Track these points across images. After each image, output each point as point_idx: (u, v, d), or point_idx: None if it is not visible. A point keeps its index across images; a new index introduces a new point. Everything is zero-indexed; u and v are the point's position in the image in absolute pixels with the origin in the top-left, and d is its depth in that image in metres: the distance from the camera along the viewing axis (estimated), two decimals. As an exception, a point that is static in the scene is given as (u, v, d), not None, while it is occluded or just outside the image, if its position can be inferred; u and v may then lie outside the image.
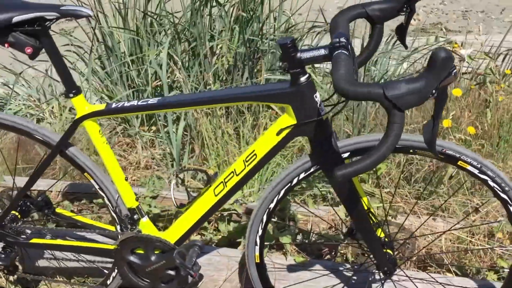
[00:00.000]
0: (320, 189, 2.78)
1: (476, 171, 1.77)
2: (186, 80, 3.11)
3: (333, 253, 2.49)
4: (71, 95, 1.89)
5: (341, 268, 2.29)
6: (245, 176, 1.86)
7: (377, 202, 2.63)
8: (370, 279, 2.20)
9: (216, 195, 1.93)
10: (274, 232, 2.44)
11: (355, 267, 2.30)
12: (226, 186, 1.91)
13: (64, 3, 1.89)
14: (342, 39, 1.48)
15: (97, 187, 2.05)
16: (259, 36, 3.54)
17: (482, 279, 2.30)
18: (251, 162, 1.84)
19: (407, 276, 2.12)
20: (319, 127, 1.72)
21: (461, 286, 2.15)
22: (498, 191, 1.78)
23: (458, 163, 1.78)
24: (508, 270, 2.12)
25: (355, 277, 2.23)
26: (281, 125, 1.76)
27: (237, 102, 1.85)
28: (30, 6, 1.75)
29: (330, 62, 1.48)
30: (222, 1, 3.54)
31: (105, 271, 2.30)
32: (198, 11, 3.36)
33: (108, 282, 2.26)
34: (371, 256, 1.94)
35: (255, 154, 1.83)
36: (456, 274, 2.37)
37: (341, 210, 2.49)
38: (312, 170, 1.83)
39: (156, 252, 2.07)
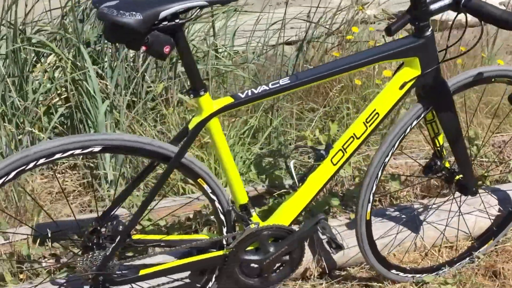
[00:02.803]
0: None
1: None
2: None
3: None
4: (202, 93, 1.74)
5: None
6: (365, 138, 1.99)
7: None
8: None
9: (335, 164, 2.00)
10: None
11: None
12: (345, 152, 2.00)
13: None
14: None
15: (209, 191, 1.91)
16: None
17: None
18: (373, 121, 1.97)
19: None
20: (435, 72, 1.96)
21: None
22: None
23: None
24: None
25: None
26: (404, 78, 1.94)
27: (369, 65, 1.95)
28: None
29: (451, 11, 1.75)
30: None
31: (197, 285, 2.12)
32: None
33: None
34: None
35: (377, 113, 1.96)
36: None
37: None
38: (423, 114, 2.05)
39: (271, 241, 2.03)
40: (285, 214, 2.04)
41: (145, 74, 3.06)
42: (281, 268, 2.09)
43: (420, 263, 2.48)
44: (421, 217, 2.52)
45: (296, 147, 2.19)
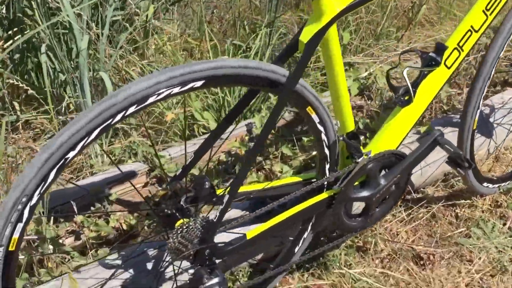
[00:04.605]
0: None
1: None
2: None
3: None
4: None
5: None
6: (484, 30, 1.64)
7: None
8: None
9: (449, 67, 1.65)
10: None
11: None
12: (462, 50, 1.65)
13: None
14: None
15: (317, 121, 1.50)
16: None
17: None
18: (496, 7, 1.62)
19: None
20: None
21: None
22: None
23: None
24: None
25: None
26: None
27: None
28: None
29: None
30: None
31: (289, 238, 1.75)
32: None
33: (296, 249, 1.74)
34: None
35: (501, -4, 1.61)
36: None
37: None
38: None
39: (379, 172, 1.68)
40: (391, 137, 1.68)
41: None
42: (383, 202, 1.75)
43: (497, 170, 2.24)
44: (491, 119, 2.25)
45: (403, 52, 1.82)
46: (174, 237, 1.38)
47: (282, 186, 1.62)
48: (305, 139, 2.21)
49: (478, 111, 1.79)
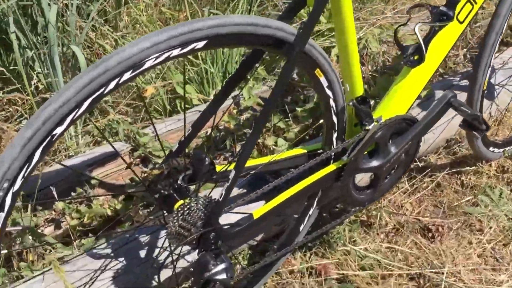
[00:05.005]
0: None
1: None
2: None
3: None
4: None
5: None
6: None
7: None
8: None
9: (462, 22, 1.52)
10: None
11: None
12: (475, 3, 1.52)
13: None
14: None
15: (325, 85, 1.36)
16: None
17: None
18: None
19: None
20: None
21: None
22: None
23: None
24: None
25: None
26: None
27: None
28: None
29: None
30: None
31: (294, 216, 1.61)
32: None
33: (301, 227, 1.61)
34: None
35: None
36: None
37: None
38: None
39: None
40: (401, 101, 1.55)
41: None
42: (392, 172, 1.63)
43: (499, 134, 2.14)
44: (491, 81, 2.14)
45: (412, 7, 1.67)
46: (175, 221, 1.23)
47: (286, 160, 1.47)
48: (298, 109, 2.06)
49: (489, 69, 1.67)
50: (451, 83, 2.11)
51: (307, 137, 2.02)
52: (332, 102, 1.40)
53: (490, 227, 1.84)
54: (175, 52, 1.04)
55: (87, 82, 0.96)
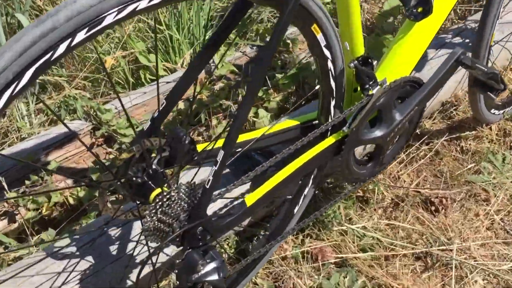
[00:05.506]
0: None
1: None
2: None
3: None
4: None
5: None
6: None
7: None
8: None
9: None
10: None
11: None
12: None
13: None
14: None
15: (323, 44, 1.14)
16: None
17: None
18: None
19: None
20: None
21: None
22: None
23: None
24: None
25: None
26: None
27: None
28: None
29: None
30: None
31: (287, 197, 1.41)
32: None
33: (296, 209, 1.41)
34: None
35: None
36: None
37: None
38: None
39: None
40: (405, 60, 1.35)
41: None
42: (394, 142, 1.43)
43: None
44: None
45: None
46: (152, 215, 1.01)
47: (278, 134, 1.26)
48: (278, 76, 1.85)
49: (498, 22, 1.48)
50: (443, 41, 1.92)
51: (287, 105, 1.82)
52: (330, 64, 1.18)
53: (497, 197, 1.67)
54: (143, 3, 0.80)
55: (28, 45, 0.72)
